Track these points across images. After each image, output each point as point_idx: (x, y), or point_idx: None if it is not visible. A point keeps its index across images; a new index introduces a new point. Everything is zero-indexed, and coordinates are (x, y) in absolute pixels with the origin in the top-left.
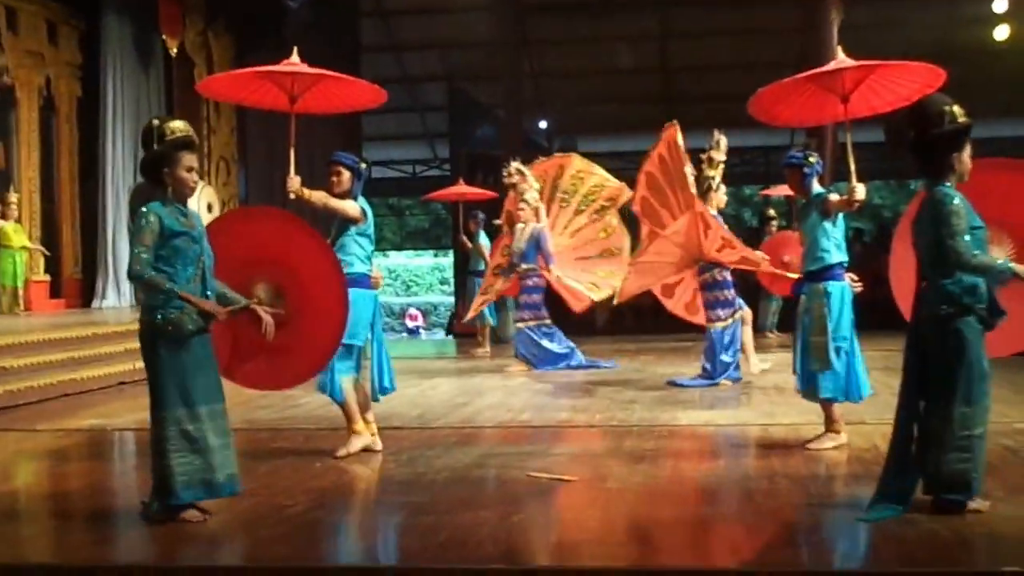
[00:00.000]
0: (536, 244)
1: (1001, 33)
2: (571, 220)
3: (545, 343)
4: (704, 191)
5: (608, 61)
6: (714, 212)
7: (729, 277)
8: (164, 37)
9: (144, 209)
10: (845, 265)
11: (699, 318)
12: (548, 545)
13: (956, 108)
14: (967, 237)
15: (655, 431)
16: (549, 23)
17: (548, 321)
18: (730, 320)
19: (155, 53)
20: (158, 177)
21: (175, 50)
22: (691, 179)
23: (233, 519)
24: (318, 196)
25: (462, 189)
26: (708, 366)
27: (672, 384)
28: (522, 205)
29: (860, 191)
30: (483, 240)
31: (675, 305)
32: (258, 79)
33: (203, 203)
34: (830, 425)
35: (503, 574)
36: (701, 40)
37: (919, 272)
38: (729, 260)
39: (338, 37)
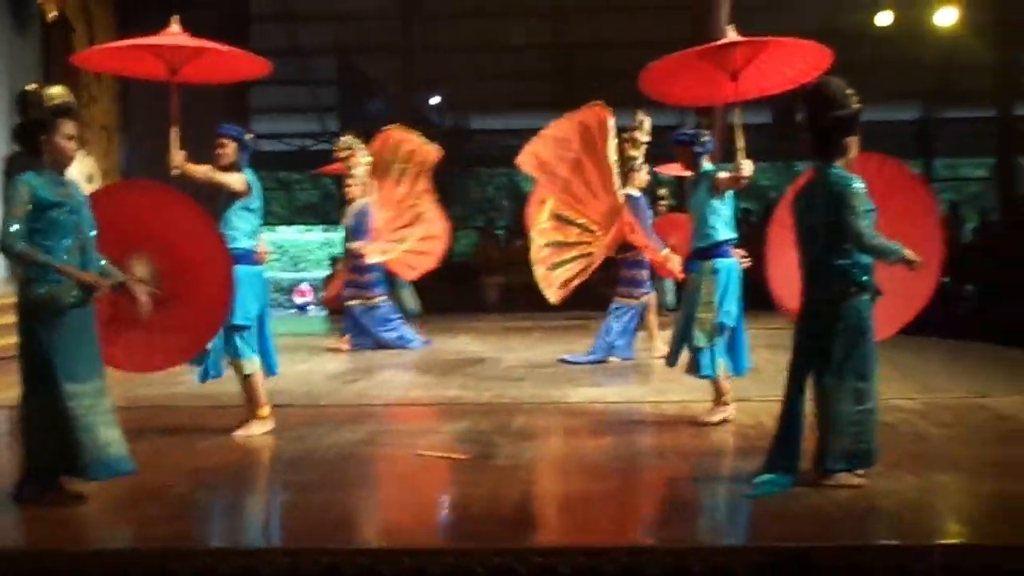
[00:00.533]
0: (363, 220)
1: (884, 19)
2: (393, 191)
3: (365, 322)
4: (627, 171)
5: (502, 37)
6: (637, 193)
7: (648, 258)
8: (40, 2)
9: (17, 179)
10: (734, 242)
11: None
12: (437, 523)
13: (850, 93)
14: (867, 219)
15: (546, 408)
16: None
17: (377, 300)
18: (638, 300)
19: (32, 17)
20: (34, 146)
21: (53, 14)
22: (613, 161)
23: (114, 500)
24: (202, 170)
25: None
26: (602, 341)
27: (563, 361)
28: (349, 181)
29: (747, 167)
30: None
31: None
32: (137, 50)
33: (83, 173)
34: (718, 398)
35: (391, 553)
36: (595, 16)
37: (806, 254)
38: (638, 243)
39: (226, 6)
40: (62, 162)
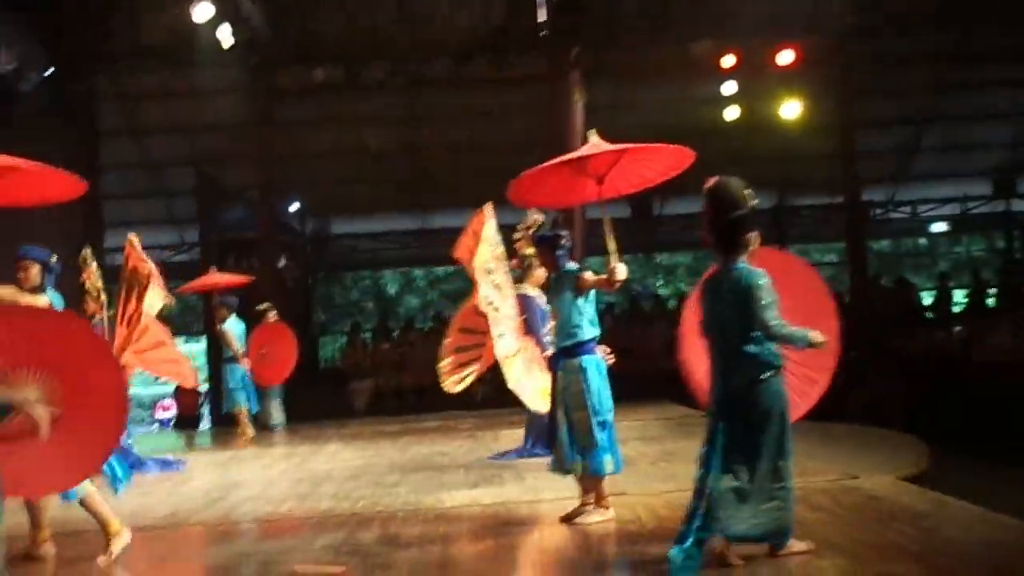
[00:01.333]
0: None
1: (731, 113)
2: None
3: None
4: (525, 269)
5: (358, 142)
6: (533, 292)
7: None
8: None
9: None
10: (597, 339)
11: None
12: None
13: (748, 191)
14: (774, 309)
15: (420, 514)
16: (297, 104)
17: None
18: None
19: None
20: None
21: None
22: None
23: None
24: (7, 292)
25: (214, 279)
26: (530, 438)
27: (496, 458)
28: (86, 296)
29: (621, 271)
30: (231, 326)
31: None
32: None
33: None
34: (599, 500)
35: None
36: (448, 121)
37: (715, 344)
38: None
39: (75, 120)
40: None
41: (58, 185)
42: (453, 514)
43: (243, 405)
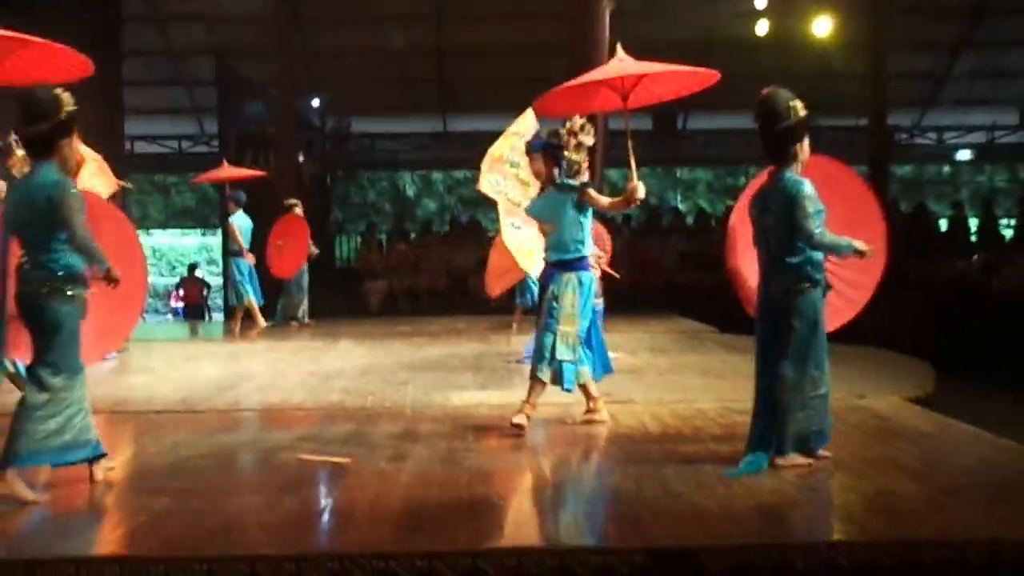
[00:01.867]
0: None
1: (762, 28)
2: None
3: None
4: (572, 175)
5: (383, 42)
6: None
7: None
8: None
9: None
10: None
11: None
12: (319, 528)
13: (798, 103)
14: (818, 219)
15: (428, 412)
16: (322, 1)
17: None
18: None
19: None
20: (49, 150)
21: None
22: (506, 161)
23: None
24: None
25: (228, 172)
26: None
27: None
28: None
29: (640, 191)
30: (238, 220)
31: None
32: None
33: None
34: (590, 403)
35: (272, 559)
36: (474, 23)
37: (762, 252)
38: None
39: (97, 6)
40: (71, 168)
41: (65, 64)
42: (461, 413)
43: (250, 297)
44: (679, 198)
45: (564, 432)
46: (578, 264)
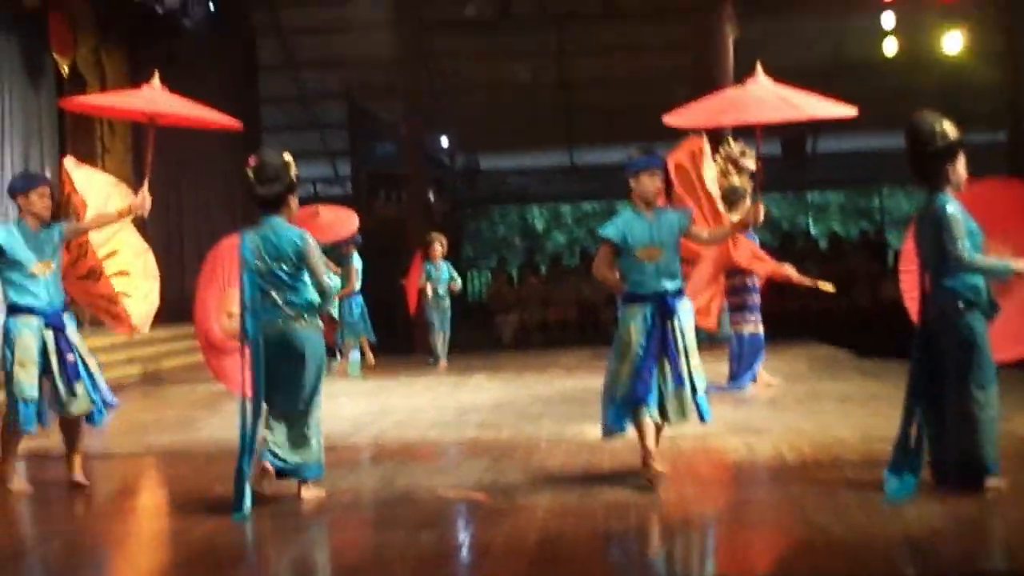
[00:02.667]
0: None
1: (890, 47)
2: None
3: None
4: (735, 200)
5: (508, 77)
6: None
7: (757, 284)
8: (55, 55)
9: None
10: None
11: (709, 323)
12: (455, 564)
13: (947, 125)
14: (967, 241)
15: (563, 445)
16: (448, 39)
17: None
18: (758, 327)
19: (46, 71)
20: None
21: (66, 68)
22: (716, 188)
23: (133, 544)
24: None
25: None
26: (735, 369)
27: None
28: None
29: (760, 214)
30: (356, 263)
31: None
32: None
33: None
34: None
35: None
36: (597, 55)
37: (923, 274)
38: (762, 271)
39: (234, 55)
40: (294, 218)
41: (217, 117)
42: (595, 446)
43: (364, 335)
44: (811, 222)
45: (700, 463)
46: (683, 294)
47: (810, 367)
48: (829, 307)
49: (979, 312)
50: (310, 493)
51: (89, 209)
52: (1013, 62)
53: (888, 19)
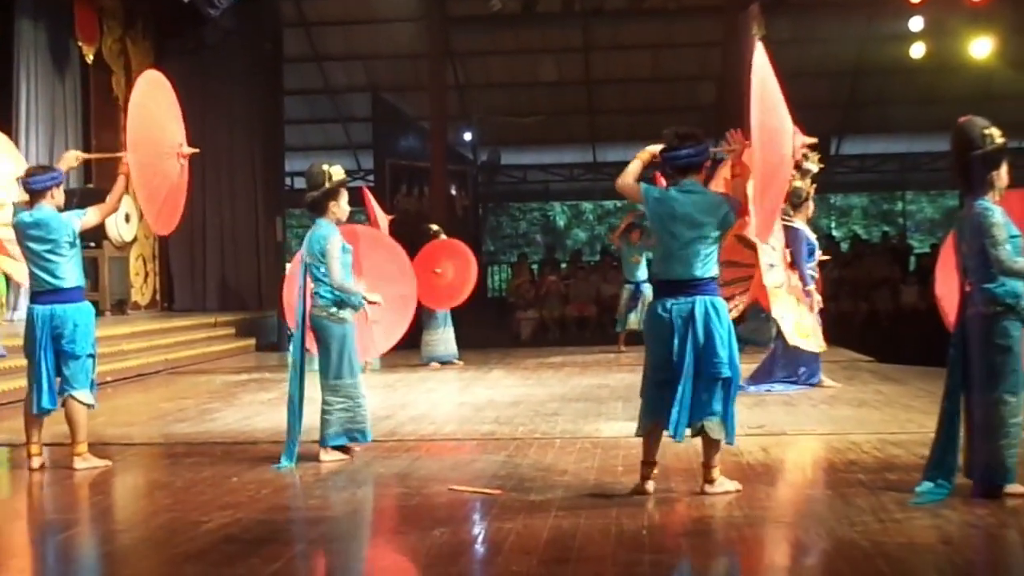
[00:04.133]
0: None
1: (917, 51)
2: None
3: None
4: (798, 203)
5: (532, 73)
6: (800, 224)
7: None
8: (80, 43)
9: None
10: None
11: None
12: (468, 560)
13: (993, 130)
14: (1008, 246)
15: (577, 443)
16: (473, 34)
17: None
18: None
19: (71, 60)
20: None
21: (91, 57)
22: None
23: (147, 535)
24: None
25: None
26: (802, 369)
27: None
28: None
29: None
30: None
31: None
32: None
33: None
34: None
35: None
36: (622, 52)
37: (962, 277)
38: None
39: (259, 46)
40: (342, 218)
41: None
42: (610, 443)
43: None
44: (833, 225)
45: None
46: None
47: (828, 370)
48: (849, 311)
49: (1016, 318)
50: (328, 456)
51: None
52: None
53: (916, 22)
